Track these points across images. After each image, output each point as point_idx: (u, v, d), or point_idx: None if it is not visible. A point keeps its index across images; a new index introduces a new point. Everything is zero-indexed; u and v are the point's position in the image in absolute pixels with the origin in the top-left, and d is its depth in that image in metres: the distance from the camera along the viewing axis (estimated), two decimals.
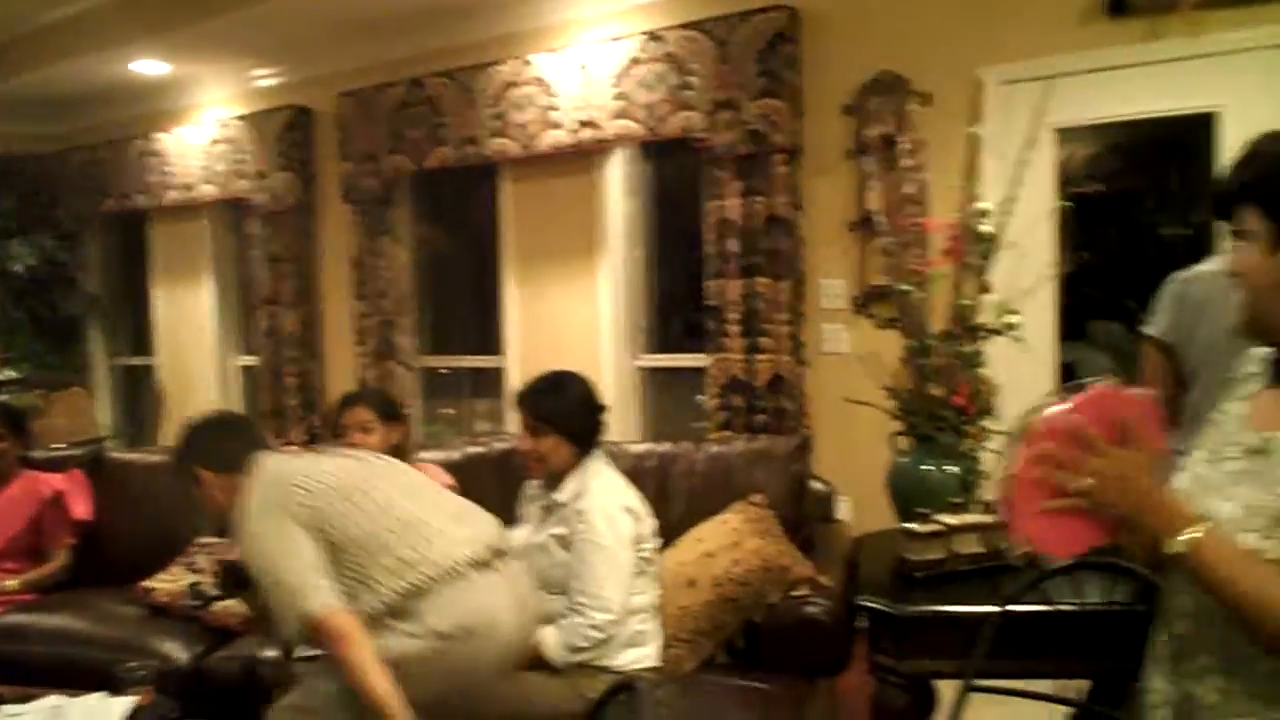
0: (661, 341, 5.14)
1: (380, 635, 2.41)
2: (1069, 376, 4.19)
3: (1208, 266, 2.64)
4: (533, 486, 3.23)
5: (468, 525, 2.65)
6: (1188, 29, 3.62)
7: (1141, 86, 3.75)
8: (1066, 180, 4.02)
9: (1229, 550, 1.37)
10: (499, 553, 2.62)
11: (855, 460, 3.92)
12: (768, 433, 4.34)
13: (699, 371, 4.71)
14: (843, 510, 4.29)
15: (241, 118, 6.22)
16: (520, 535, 3.12)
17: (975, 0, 4.00)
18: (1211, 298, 2.55)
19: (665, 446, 3.72)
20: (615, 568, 2.91)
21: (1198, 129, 3.69)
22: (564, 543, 2.97)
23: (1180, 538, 1.37)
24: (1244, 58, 3.59)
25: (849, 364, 4.10)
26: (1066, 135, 4.00)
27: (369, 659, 2.35)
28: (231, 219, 6.72)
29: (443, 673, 2.46)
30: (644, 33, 4.61)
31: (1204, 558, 1.36)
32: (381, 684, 2.32)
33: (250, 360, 6.59)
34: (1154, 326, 2.73)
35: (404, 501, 2.59)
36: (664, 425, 5.11)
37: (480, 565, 2.54)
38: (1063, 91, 3.79)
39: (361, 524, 2.49)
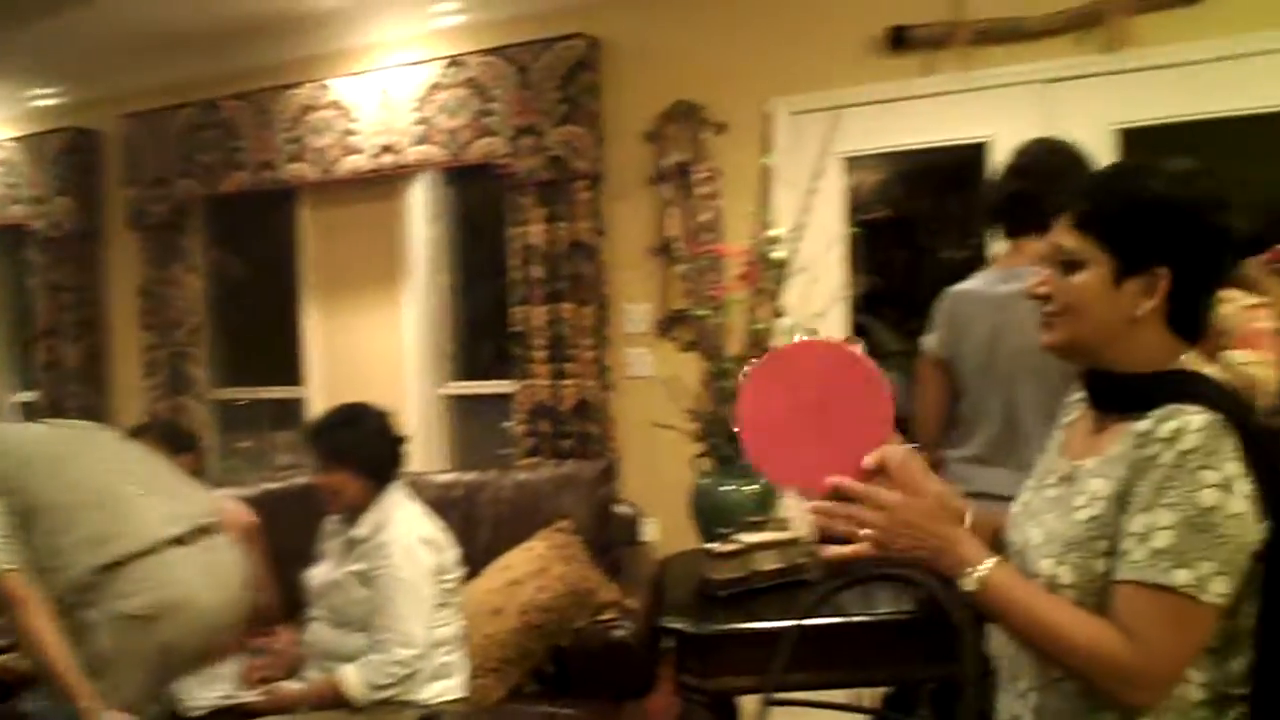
0: (468, 368, 5.09)
1: (70, 624, 2.33)
2: None
3: (971, 284, 2.79)
4: (332, 522, 3.14)
5: (174, 501, 2.58)
6: (961, 63, 3.85)
7: (921, 117, 3.97)
8: (856, 206, 4.20)
9: (1017, 584, 1.44)
10: (205, 530, 2.56)
11: (661, 482, 3.96)
12: (575, 458, 4.34)
13: (506, 398, 4.68)
14: (650, 532, 4.32)
15: (17, 139, 5.85)
16: (320, 572, 3.03)
17: (765, 33, 4.15)
18: (975, 314, 2.70)
19: (471, 475, 3.68)
20: (417, 601, 2.85)
21: (974, 157, 3.91)
22: (363, 579, 2.89)
23: (972, 576, 1.44)
24: (1012, 90, 3.83)
25: (654, 387, 4.14)
26: (855, 163, 4.18)
27: (47, 629, 2.27)
28: (7, 246, 6.30)
29: (139, 658, 2.39)
30: (445, 58, 4.58)
31: (992, 594, 1.44)
32: (61, 658, 2.26)
33: (29, 396, 6.18)
34: (928, 341, 2.88)
35: (107, 475, 2.51)
36: (472, 453, 5.05)
37: (180, 542, 2.47)
38: (849, 122, 3.95)
39: (54, 493, 2.42)
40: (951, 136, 3.97)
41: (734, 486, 3.19)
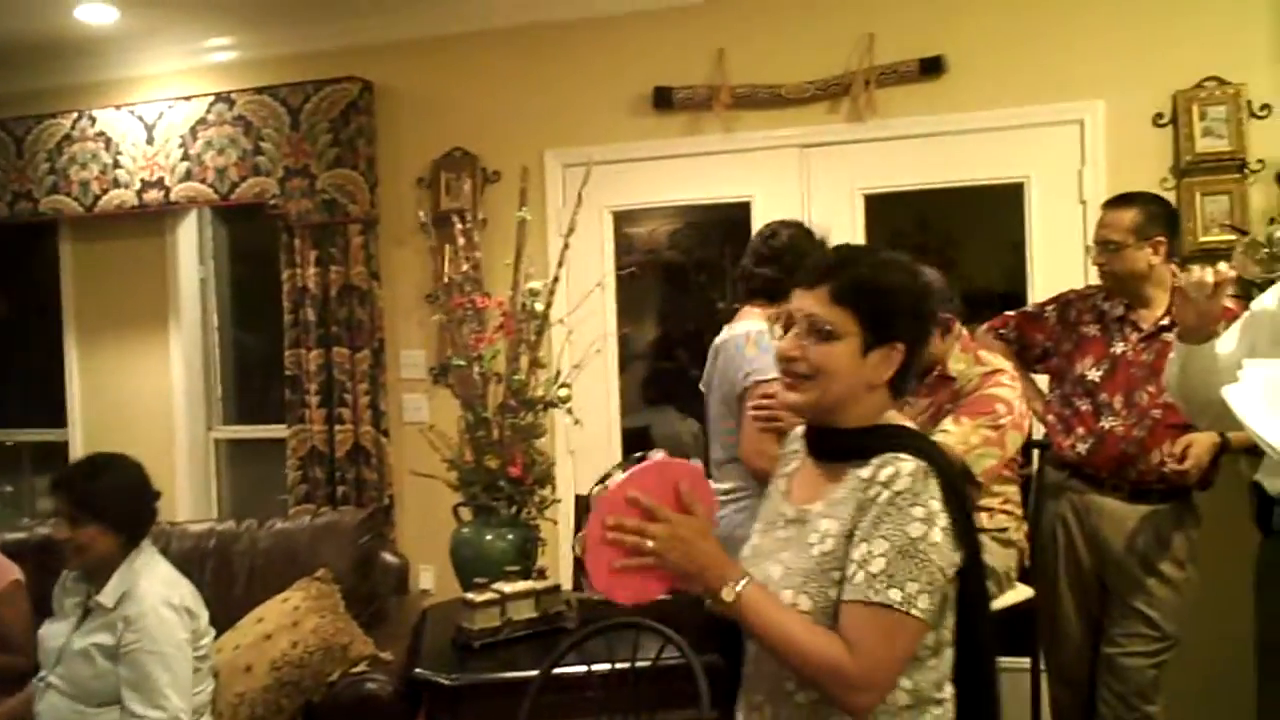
0: (241, 412, 4.96)
1: None
2: (645, 439, 4.49)
3: (725, 334, 2.94)
4: (71, 578, 2.97)
5: None
6: (723, 125, 4.04)
7: (688, 175, 4.14)
8: (630, 257, 4.33)
9: (769, 599, 1.62)
10: None
11: (438, 530, 3.94)
12: (349, 504, 4.29)
13: (281, 443, 4.58)
14: (426, 580, 4.32)
15: None
16: (55, 631, 2.87)
17: (540, 86, 4.24)
18: (720, 361, 2.88)
19: (227, 524, 3.59)
20: (176, 673, 2.72)
21: (741, 211, 4.10)
22: (108, 652, 2.73)
23: (732, 589, 1.60)
24: (771, 153, 4.04)
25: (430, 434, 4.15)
26: (631, 216, 4.32)
27: None
28: None
29: None
30: (214, 94, 4.49)
31: (748, 605, 1.60)
32: None
33: None
34: (704, 381, 3.07)
35: None
36: (245, 499, 4.91)
37: None
38: (620, 176, 4.11)
39: None
40: (716, 194, 4.16)
41: (493, 536, 3.23)
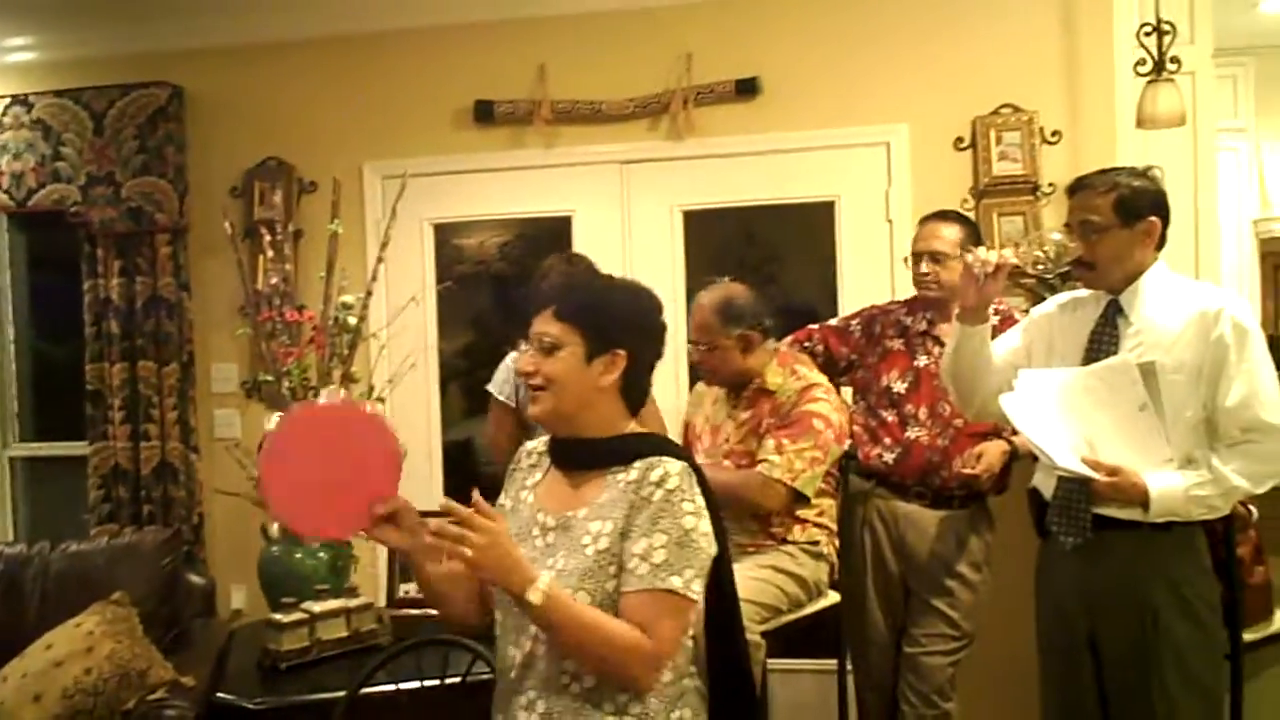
0: (40, 428, 4.70)
1: None
2: (468, 451, 4.45)
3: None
4: None
5: None
6: (544, 141, 4.05)
7: (510, 188, 4.13)
8: (460, 268, 4.30)
9: (566, 597, 1.74)
10: None
11: (250, 549, 3.82)
12: (155, 524, 4.11)
13: (83, 460, 4.36)
14: (239, 601, 4.17)
15: None
16: None
17: (360, 98, 4.17)
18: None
19: (17, 548, 3.40)
20: None
21: (563, 226, 4.11)
22: None
23: (538, 590, 1.69)
24: (593, 169, 4.07)
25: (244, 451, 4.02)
26: (462, 227, 4.29)
27: None
28: None
29: None
30: (10, 96, 4.26)
31: (555, 601, 1.71)
32: None
33: None
34: (493, 386, 3.43)
35: None
36: (45, 521, 4.65)
37: None
38: (441, 189, 4.09)
39: None
40: (537, 208, 4.16)
41: (303, 554, 3.16)
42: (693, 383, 3.61)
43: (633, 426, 1.92)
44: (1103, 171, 2.52)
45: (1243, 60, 5.46)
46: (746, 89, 3.93)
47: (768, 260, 4.21)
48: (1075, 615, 2.46)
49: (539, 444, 2.01)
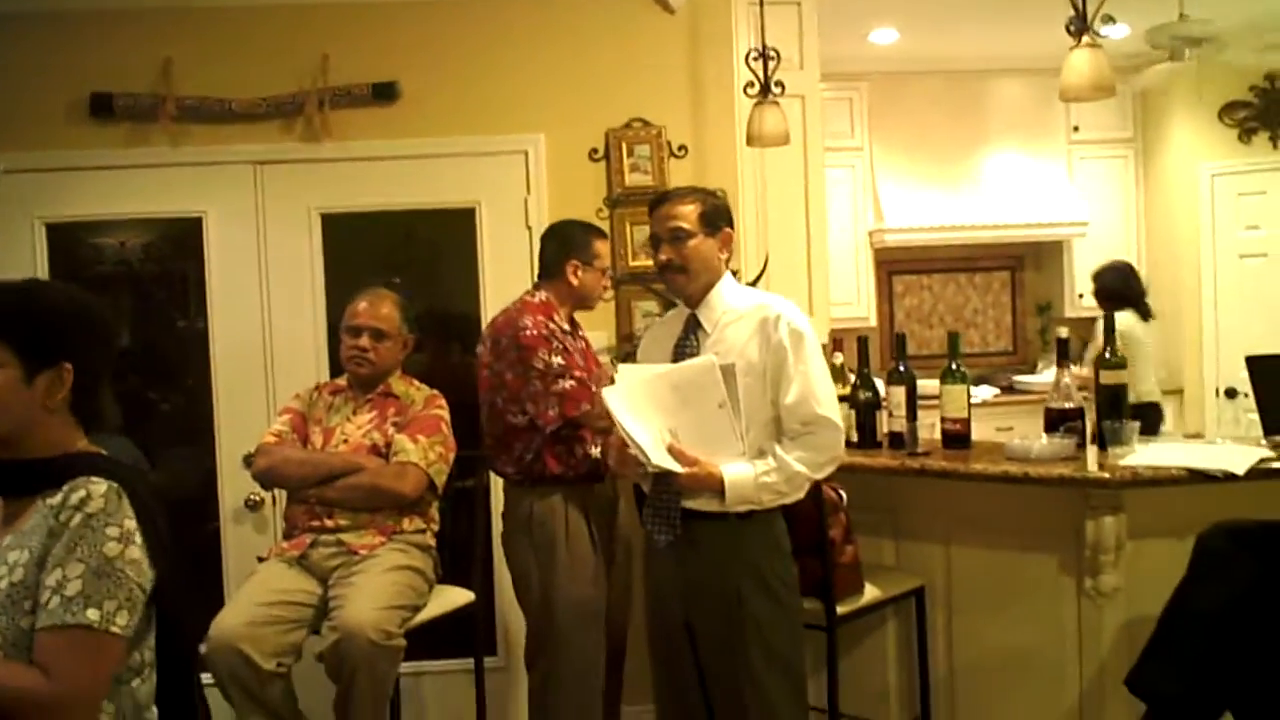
0: None
1: None
2: None
3: None
4: None
5: None
6: (171, 139, 3.86)
7: (135, 187, 3.90)
8: (100, 269, 4.04)
9: None
10: None
11: None
12: None
13: None
14: None
15: None
16: None
17: None
18: None
19: None
20: None
21: (194, 227, 3.93)
22: None
23: None
24: (224, 169, 3.93)
25: None
26: (97, 227, 4.00)
27: None
28: None
29: None
30: None
31: None
32: None
33: None
34: None
35: None
36: None
37: None
38: (57, 186, 3.81)
39: None
40: (165, 209, 3.95)
41: None
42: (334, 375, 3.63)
43: (83, 445, 1.74)
44: (680, 189, 2.74)
45: (857, 85, 6.00)
46: (384, 93, 3.92)
47: (410, 265, 4.20)
48: (671, 601, 2.63)
49: None
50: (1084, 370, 4.26)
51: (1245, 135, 6.01)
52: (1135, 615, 2.84)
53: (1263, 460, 2.84)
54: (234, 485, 3.91)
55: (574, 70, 4.00)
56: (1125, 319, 5.03)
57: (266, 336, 3.95)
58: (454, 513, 3.46)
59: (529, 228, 3.98)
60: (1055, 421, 3.17)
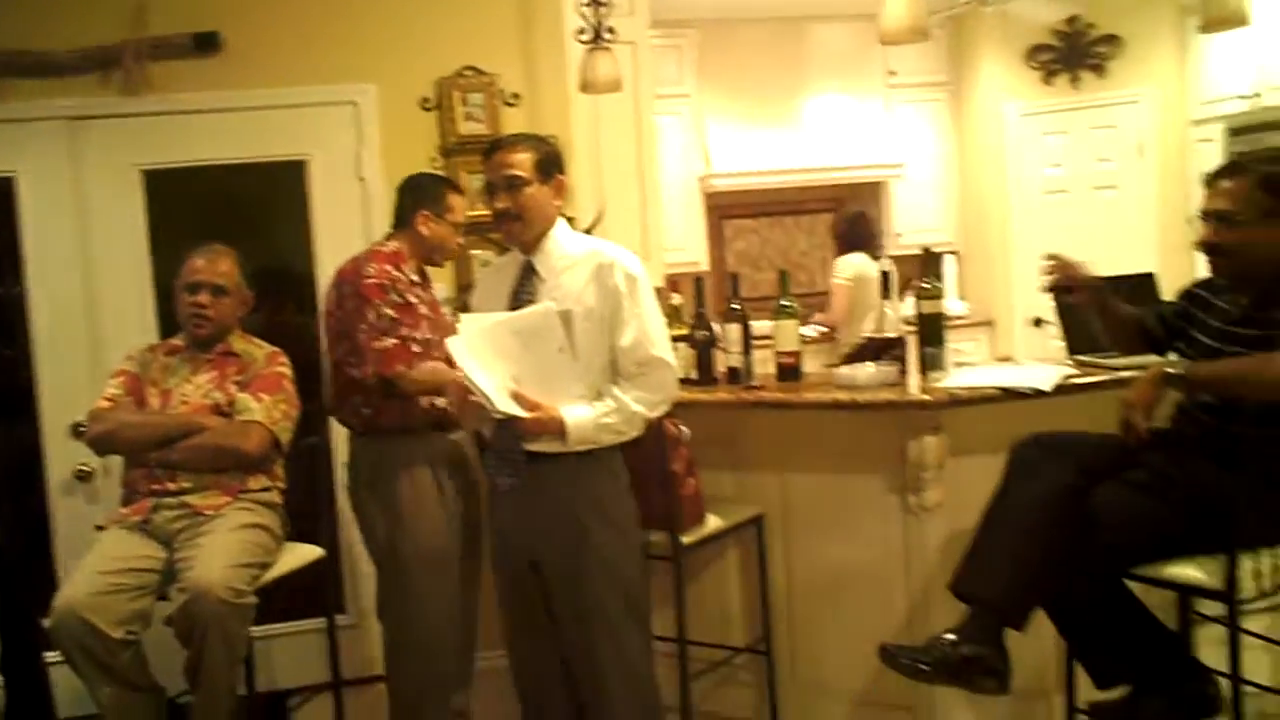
0: None
1: None
2: None
3: None
4: None
5: None
6: None
7: None
8: None
9: None
10: None
11: None
12: None
13: None
14: None
15: None
16: None
17: None
18: None
19: None
20: None
21: (5, 188, 3.73)
22: None
23: None
24: (38, 125, 3.75)
25: None
26: None
27: None
28: None
29: None
30: None
31: None
32: None
33: None
34: None
35: None
36: None
37: None
38: None
39: None
40: None
41: None
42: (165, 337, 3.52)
43: None
44: (514, 136, 2.79)
45: (685, 32, 6.09)
46: (206, 43, 3.80)
47: (239, 221, 4.10)
48: (518, 543, 2.71)
49: None
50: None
51: (1049, 77, 6.35)
52: (957, 528, 2.99)
53: (1067, 377, 3.08)
54: (61, 457, 3.76)
55: (404, 18, 3.96)
56: (857, 261, 5.59)
57: (90, 300, 3.80)
58: (297, 470, 3.43)
59: (361, 179, 3.95)
60: (878, 350, 3.35)
